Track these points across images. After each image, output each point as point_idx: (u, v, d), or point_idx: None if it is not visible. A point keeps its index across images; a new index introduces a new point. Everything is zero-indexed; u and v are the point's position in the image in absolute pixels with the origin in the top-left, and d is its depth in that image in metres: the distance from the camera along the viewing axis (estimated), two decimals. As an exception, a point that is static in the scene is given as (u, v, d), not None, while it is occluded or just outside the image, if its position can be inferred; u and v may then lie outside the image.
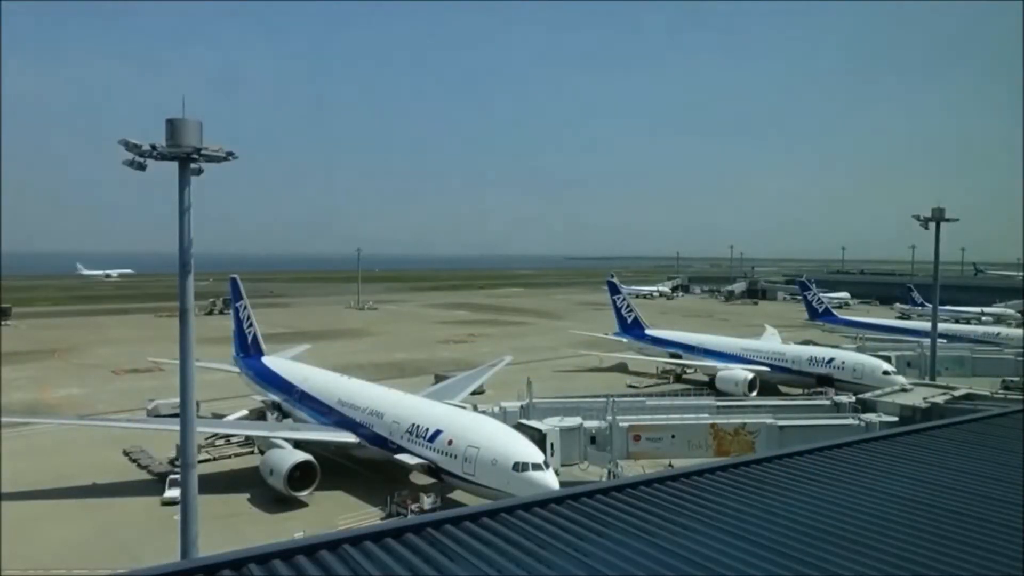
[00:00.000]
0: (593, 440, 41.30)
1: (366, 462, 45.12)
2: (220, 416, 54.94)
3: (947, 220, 60.24)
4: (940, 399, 43.99)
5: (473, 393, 57.06)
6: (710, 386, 69.65)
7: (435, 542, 10.76)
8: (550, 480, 33.81)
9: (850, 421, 42.32)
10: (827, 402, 47.65)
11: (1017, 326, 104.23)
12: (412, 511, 35.71)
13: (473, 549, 10.52)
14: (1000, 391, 58.21)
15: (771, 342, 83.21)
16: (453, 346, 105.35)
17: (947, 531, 11.62)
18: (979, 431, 19.20)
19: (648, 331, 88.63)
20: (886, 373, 60.73)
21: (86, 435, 51.37)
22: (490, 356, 77.30)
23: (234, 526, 36.48)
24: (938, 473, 15.08)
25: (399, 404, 45.08)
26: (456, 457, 36.96)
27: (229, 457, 47.63)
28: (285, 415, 53.33)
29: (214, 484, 41.17)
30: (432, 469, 38.91)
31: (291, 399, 53.11)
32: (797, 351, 72.73)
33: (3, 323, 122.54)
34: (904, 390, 48.72)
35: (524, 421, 42.31)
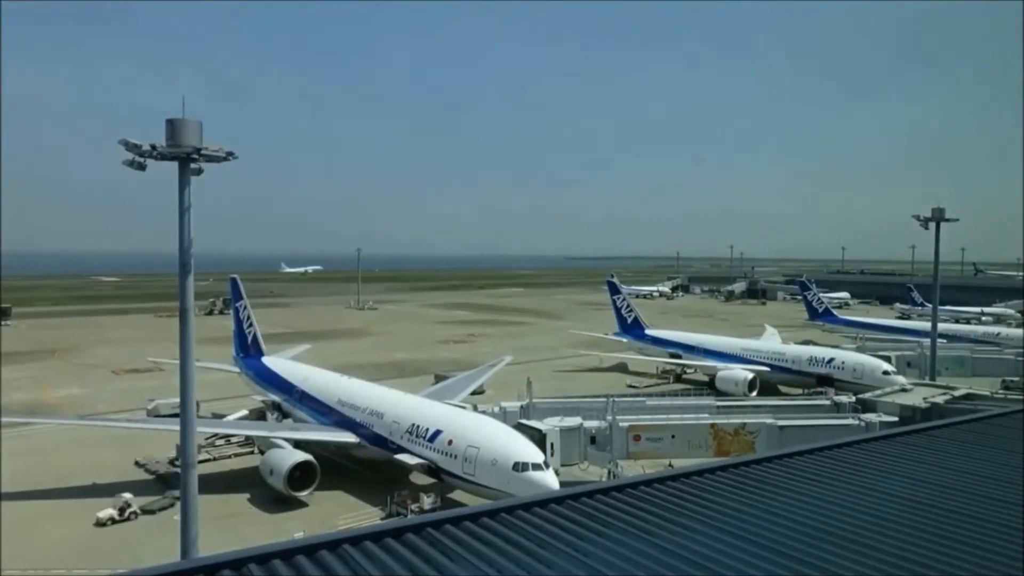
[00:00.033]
0: (593, 440, 41.29)
1: (366, 462, 45.12)
2: (220, 416, 54.93)
3: (947, 220, 60.23)
4: (940, 399, 43.98)
5: (473, 393, 57.06)
6: (710, 386, 69.63)
7: (435, 542, 10.76)
8: (550, 480, 33.80)
9: (850, 421, 42.30)
10: (827, 402, 47.64)
11: (1017, 326, 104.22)
12: (412, 511, 35.71)
13: (473, 549, 10.52)
14: (1000, 391, 58.21)
15: (771, 342, 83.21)
16: (453, 346, 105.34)
17: (947, 531, 11.63)
18: (979, 431, 19.20)
19: (648, 331, 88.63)
20: (886, 373, 60.71)
21: (86, 435, 51.35)
22: (490, 356, 77.30)
23: (234, 526, 36.49)
24: (938, 473, 15.08)
25: (399, 404, 45.08)
26: (456, 457, 36.95)
27: (229, 457, 47.63)
28: (285, 415, 53.32)
29: (214, 484, 41.20)
30: (432, 469, 38.91)
31: (291, 399, 53.11)
32: (797, 351, 72.71)
33: (3, 323, 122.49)
34: (904, 390, 48.70)
35: (524, 421, 42.30)
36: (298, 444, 43.02)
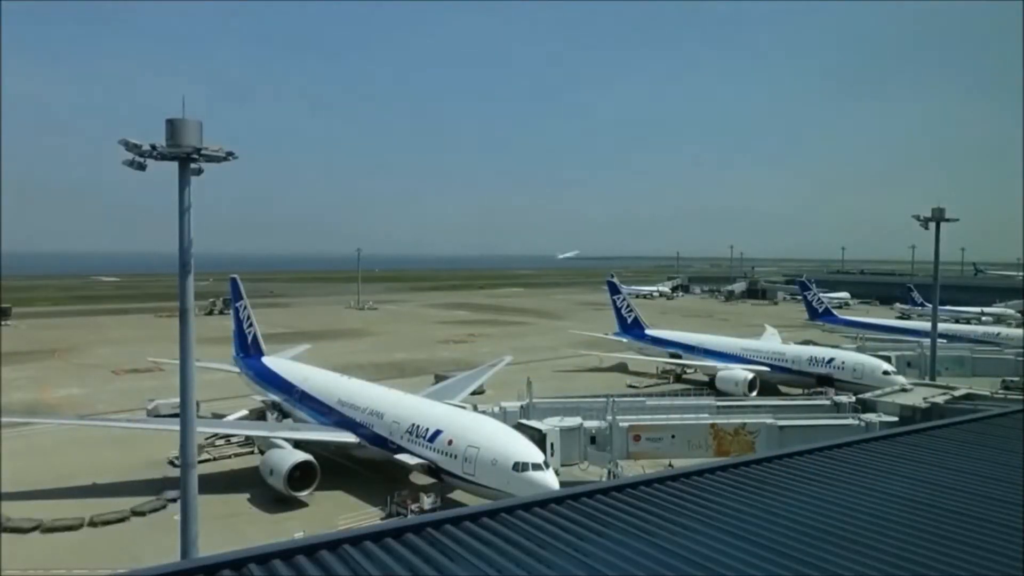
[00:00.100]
0: (593, 440, 41.29)
1: (366, 462, 45.12)
2: (220, 416, 54.94)
3: (947, 220, 60.21)
4: (940, 399, 43.96)
5: (473, 393, 57.06)
6: (710, 386, 69.62)
7: (435, 542, 10.76)
8: (550, 480, 33.80)
9: (850, 421, 42.29)
10: (827, 402, 47.62)
11: (1017, 326, 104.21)
12: (412, 511, 35.71)
13: (473, 549, 10.52)
14: (1000, 391, 58.20)
15: (771, 342, 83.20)
16: (453, 346, 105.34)
17: (947, 531, 11.63)
18: (979, 431, 19.20)
19: (648, 331, 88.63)
20: (886, 373, 60.70)
21: (86, 435, 51.36)
22: (490, 356, 77.30)
23: (234, 526, 36.50)
24: (938, 473, 15.08)
25: (399, 404, 45.08)
26: (456, 457, 36.95)
27: (229, 457, 47.65)
28: (285, 415, 53.32)
29: (214, 484, 41.21)
30: (432, 469, 38.90)
31: (291, 399, 53.10)
32: (797, 351, 72.70)
33: (3, 323, 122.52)
34: (904, 390, 48.68)
35: (524, 421, 42.29)
36: (298, 444, 43.02)
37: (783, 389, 69.22)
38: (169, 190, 25.07)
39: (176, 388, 27.21)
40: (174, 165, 24.63)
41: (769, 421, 41.78)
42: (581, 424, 41.32)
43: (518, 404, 45.51)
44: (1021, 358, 69.35)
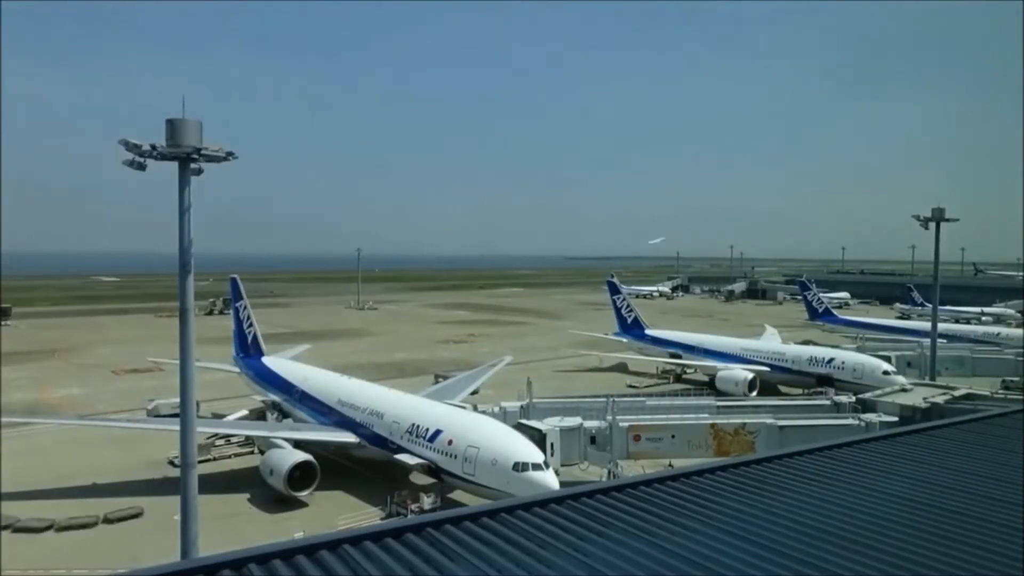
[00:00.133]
0: (593, 440, 41.28)
1: (366, 462, 45.11)
2: (220, 416, 54.94)
3: (947, 220, 60.19)
4: (940, 399, 43.95)
5: (473, 393, 57.05)
6: (710, 386, 69.62)
7: (435, 542, 10.76)
8: (550, 480, 33.79)
9: (850, 421, 42.28)
10: (827, 402, 47.61)
11: (1017, 326, 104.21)
12: (412, 511, 35.71)
13: (473, 549, 10.52)
14: (1000, 391, 58.19)
15: (771, 342, 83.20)
16: (453, 346, 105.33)
17: (947, 531, 11.63)
18: (979, 431, 19.20)
19: (648, 331, 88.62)
20: (886, 373, 60.69)
21: (86, 435, 51.35)
22: (490, 356, 77.29)
23: (234, 526, 36.50)
24: (938, 473, 15.08)
25: (399, 404, 45.08)
26: (456, 457, 36.94)
27: (229, 457, 47.64)
28: (285, 415, 53.31)
29: (214, 484, 41.20)
30: (432, 469, 38.89)
31: (291, 399, 53.10)
32: (797, 351, 72.70)
33: (3, 323, 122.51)
34: (904, 390, 48.67)
35: (524, 421, 42.29)
36: (298, 444, 43.01)
37: (783, 389, 69.21)
38: (169, 190, 25.10)
39: (176, 388, 27.21)
40: (174, 165, 24.63)
41: (769, 421, 41.77)
42: (581, 424, 41.32)
43: (518, 404, 45.49)
44: (1021, 358, 69.33)
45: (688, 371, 78.35)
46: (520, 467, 34.00)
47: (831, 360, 65.84)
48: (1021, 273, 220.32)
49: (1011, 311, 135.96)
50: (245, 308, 64.31)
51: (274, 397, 55.01)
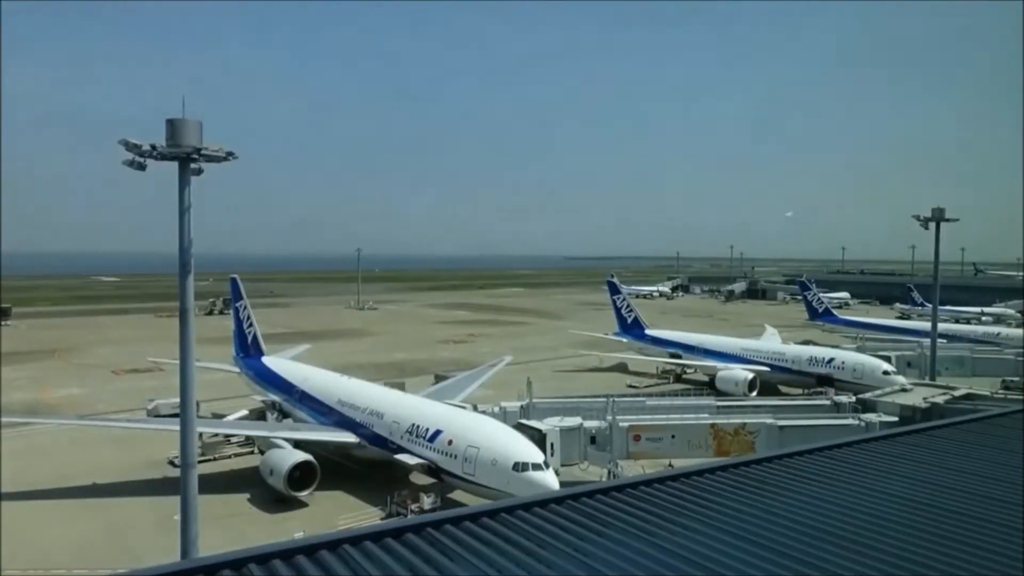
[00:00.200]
0: (593, 440, 41.27)
1: (366, 462, 45.10)
2: (220, 416, 54.94)
3: (947, 220, 60.18)
4: (940, 399, 43.95)
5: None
6: (710, 386, 69.61)
7: (435, 542, 10.76)
8: (550, 480, 33.78)
9: (850, 421, 42.27)
10: (827, 402, 47.60)
11: (1017, 326, 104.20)
12: (412, 511, 35.69)
13: (473, 549, 10.52)
14: (1000, 391, 58.16)
15: (771, 342, 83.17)
16: (453, 346, 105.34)
17: (947, 531, 11.63)
18: (979, 431, 19.20)
19: (648, 331, 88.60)
20: (886, 373, 60.68)
21: (86, 435, 51.36)
22: (490, 356, 77.26)
23: (234, 526, 36.48)
24: (938, 473, 15.08)
25: (399, 404, 45.08)
26: (456, 457, 36.94)
27: (229, 457, 47.65)
28: (285, 415, 53.29)
29: (214, 484, 41.20)
30: (432, 469, 38.88)
31: (291, 399, 53.09)
32: (797, 351, 72.68)
33: (3, 323, 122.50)
34: (904, 390, 48.67)
35: (524, 421, 42.27)
36: (298, 444, 42.99)
37: (783, 389, 69.20)
38: (169, 190, 25.10)
39: (176, 388, 27.19)
40: (174, 165, 24.63)
41: (769, 421, 41.76)
42: (581, 424, 41.31)
43: (518, 404, 45.48)
44: (1021, 358, 69.31)
45: (688, 371, 78.32)
46: (520, 467, 33.99)
47: (831, 360, 65.83)
48: (1021, 273, 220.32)
49: (1011, 311, 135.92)
50: (245, 308, 64.30)
51: (274, 397, 55.00)
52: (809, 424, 41.56)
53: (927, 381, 56.85)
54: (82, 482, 42.55)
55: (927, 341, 66.62)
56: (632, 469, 39.43)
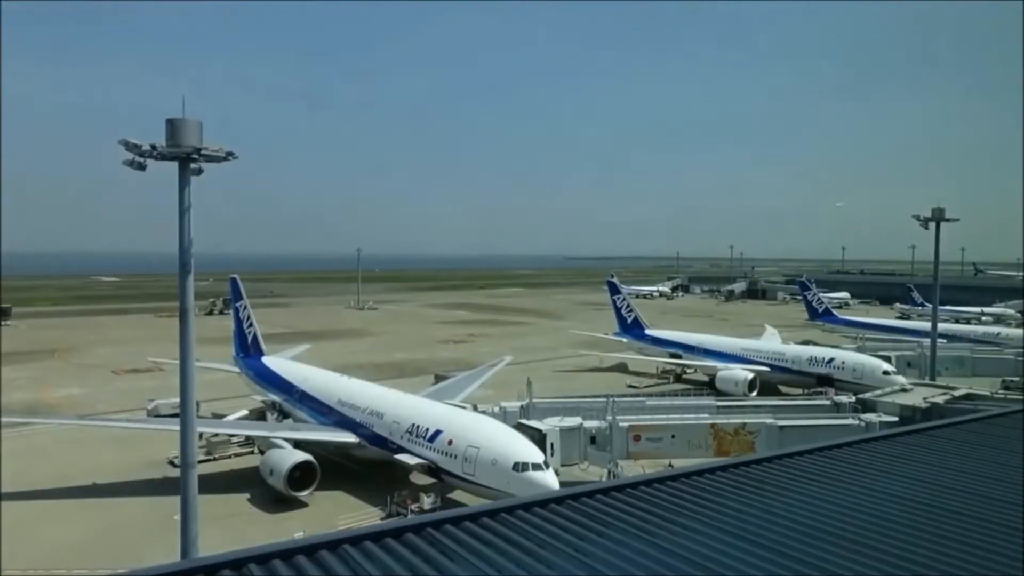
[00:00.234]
0: (593, 440, 41.27)
1: (366, 462, 45.11)
2: (220, 416, 54.94)
3: (947, 220, 60.21)
4: (940, 399, 43.96)
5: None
6: (710, 386, 69.61)
7: (435, 542, 10.76)
8: (550, 480, 33.79)
9: (850, 421, 42.28)
10: (827, 402, 47.61)
11: (1017, 326, 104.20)
12: (412, 511, 35.70)
13: (473, 549, 10.52)
14: (1000, 391, 58.18)
15: (771, 342, 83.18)
16: (453, 346, 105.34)
17: (947, 531, 11.62)
18: (979, 431, 19.20)
19: (648, 331, 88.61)
20: (886, 373, 60.69)
21: (86, 435, 51.36)
22: (490, 356, 77.25)
23: (234, 526, 36.49)
24: (938, 473, 15.08)
25: (399, 404, 45.07)
26: (456, 457, 36.94)
27: (229, 457, 47.64)
28: (285, 415, 53.30)
29: (214, 484, 41.21)
30: (432, 469, 38.89)
31: (291, 399, 53.09)
32: (797, 351, 72.69)
33: (3, 323, 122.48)
34: (904, 390, 48.68)
35: (524, 421, 42.28)
36: (298, 444, 43.00)
37: (783, 389, 69.21)
38: (169, 190, 25.08)
39: (176, 388, 27.20)
40: (174, 165, 24.63)
41: (769, 421, 41.77)
42: (581, 424, 41.31)
43: (518, 404, 45.48)
44: (1021, 358, 69.32)
45: (688, 371, 78.33)
46: (520, 467, 34.00)
47: (831, 360, 65.84)
48: (1021, 273, 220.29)
49: (1011, 311, 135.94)
50: (245, 308, 64.30)
51: (274, 397, 55.00)
52: (809, 424, 41.57)
53: (927, 381, 56.87)
54: (82, 482, 42.56)
55: (927, 341, 66.64)
56: (632, 469, 39.44)
